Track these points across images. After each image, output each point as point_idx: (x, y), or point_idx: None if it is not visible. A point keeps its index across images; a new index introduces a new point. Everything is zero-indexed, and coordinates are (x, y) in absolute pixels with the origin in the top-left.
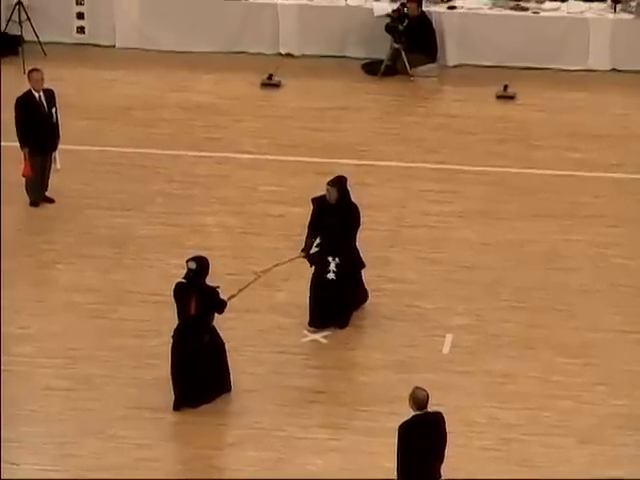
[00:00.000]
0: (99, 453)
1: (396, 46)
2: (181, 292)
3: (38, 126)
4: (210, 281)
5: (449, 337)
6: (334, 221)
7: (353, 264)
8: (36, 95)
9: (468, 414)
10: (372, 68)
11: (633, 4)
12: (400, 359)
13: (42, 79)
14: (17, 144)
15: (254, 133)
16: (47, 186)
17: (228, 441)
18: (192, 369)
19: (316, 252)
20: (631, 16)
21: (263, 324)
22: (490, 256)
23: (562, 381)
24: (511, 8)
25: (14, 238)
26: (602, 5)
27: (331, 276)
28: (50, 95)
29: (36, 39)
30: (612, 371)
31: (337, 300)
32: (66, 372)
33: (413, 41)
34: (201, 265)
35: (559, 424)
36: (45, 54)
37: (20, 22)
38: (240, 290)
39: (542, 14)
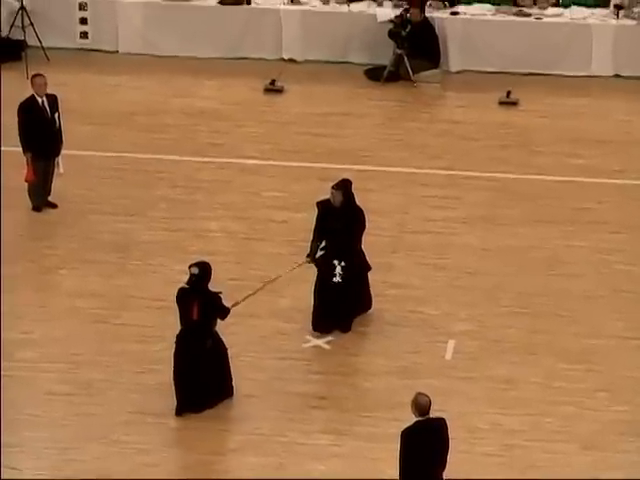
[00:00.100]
0: (101, 458)
1: (399, 52)
2: (183, 297)
3: (41, 131)
4: (213, 286)
5: (452, 343)
6: (339, 224)
7: (359, 267)
8: (39, 100)
9: (470, 420)
10: (375, 74)
11: (636, 10)
12: (403, 365)
13: (45, 84)
14: (20, 149)
15: (257, 138)
16: (50, 191)
17: (230, 446)
18: (194, 375)
19: (321, 256)
20: (634, 22)
21: (265, 330)
22: (492, 262)
23: (564, 387)
24: (514, 14)
25: (17, 243)
26: (605, 11)
27: (337, 279)
28: (53, 100)
29: (39, 44)
30: (614, 377)
31: (342, 303)
32: (69, 377)
33: (416, 47)
34: (203, 270)
35: (561, 430)
36: (48, 59)
37: (23, 27)
38: (244, 298)
39: (545, 20)
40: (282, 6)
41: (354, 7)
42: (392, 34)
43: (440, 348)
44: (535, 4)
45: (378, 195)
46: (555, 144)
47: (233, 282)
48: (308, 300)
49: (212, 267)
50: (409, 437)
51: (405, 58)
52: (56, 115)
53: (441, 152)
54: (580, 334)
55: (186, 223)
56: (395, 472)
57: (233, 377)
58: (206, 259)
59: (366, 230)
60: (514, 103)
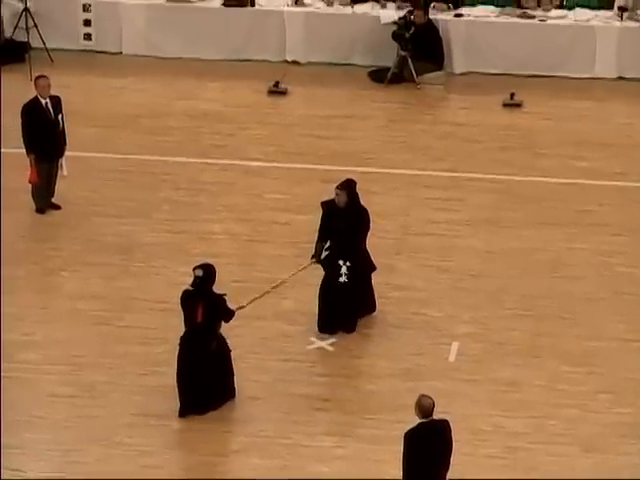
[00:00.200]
0: (104, 460)
1: (403, 54)
2: (188, 300)
3: (44, 133)
4: (217, 288)
5: (455, 345)
6: (343, 225)
7: (364, 267)
8: (43, 102)
9: (474, 422)
10: (378, 76)
11: None
12: (406, 367)
13: (49, 86)
14: (24, 150)
15: (260, 141)
16: (53, 193)
17: (233, 448)
18: (198, 377)
19: (327, 256)
20: (637, 24)
21: (269, 332)
22: (496, 264)
23: (567, 389)
24: (518, 16)
25: (20, 245)
26: (609, 13)
27: (343, 279)
28: (57, 102)
29: (43, 46)
30: (616, 379)
31: (348, 304)
32: (71, 379)
33: (420, 49)
34: (208, 273)
35: (564, 432)
36: (52, 61)
37: (27, 29)
38: (250, 301)
39: (549, 22)
40: (286, 8)
41: (358, 9)
42: (396, 36)
43: (443, 350)
44: (539, 6)
45: (381, 197)
46: (558, 146)
47: (236, 284)
48: (312, 302)
49: (216, 269)
50: (412, 439)
51: (409, 60)
52: (60, 117)
53: (444, 154)
54: (582, 336)
55: (189, 225)
56: (398, 474)
57: (236, 379)
58: (209, 261)
59: (369, 232)
60: (518, 105)
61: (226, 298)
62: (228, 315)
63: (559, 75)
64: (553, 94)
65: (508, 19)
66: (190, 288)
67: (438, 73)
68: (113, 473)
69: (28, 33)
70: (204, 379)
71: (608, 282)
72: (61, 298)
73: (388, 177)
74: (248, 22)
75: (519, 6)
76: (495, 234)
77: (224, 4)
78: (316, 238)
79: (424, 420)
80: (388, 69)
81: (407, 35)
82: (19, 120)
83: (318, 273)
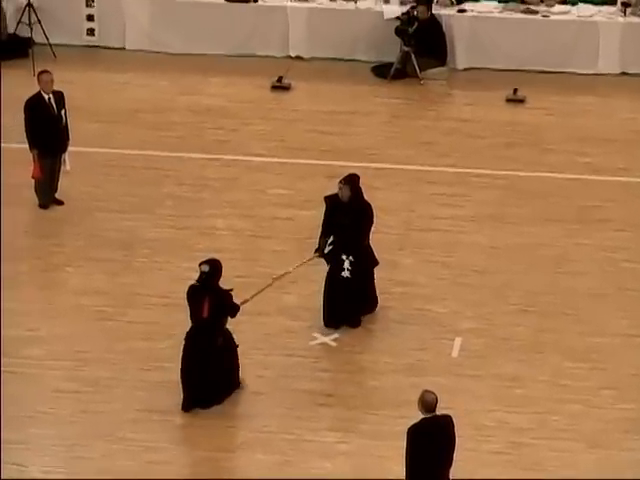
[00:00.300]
0: (108, 455)
1: (406, 49)
2: (194, 295)
3: (47, 128)
4: (221, 284)
5: (458, 341)
6: (347, 219)
7: (367, 262)
8: (45, 97)
9: (477, 418)
10: (382, 71)
11: None
12: (409, 362)
13: (52, 81)
14: (26, 146)
15: (263, 136)
16: (57, 188)
17: (237, 444)
18: (203, 372)
19: (330, 251)
20: None
21: (272, 327)
22: (500, 260)
23: (570, 385)
24: (521, 12)
25: (23, 240)
26: (612, 9)
27: (346, 274)
28: (60, 97)
29: (46, 41)
30: (620, 375)
31: (351, 298)
32: (75, 374)
33: (423, 44)
34: (214, 268)
35: (567, 428)
36: (55, 56)
37: (30, 24)
38: (253, 295)
39: (552, 18)
40: (289, 3)
41: (361, 4)
42: (399, 31)
43: (447, 346)
44: (542, 2)
45: (385, 193)
46: (562, 142)
47: (239, 279)
48: (315, 298)
49: (222, 264)
50: (415, 434)
51: (412, 56)
52: (62, 112)
53: (448, 150)
54: (585, 332)
55: (192, 221)
56: (401, 470)
57: (242, 373)
58: (211, 257)
59: (373, 227)
60: (521, 101)
61: (232, 294)
62: (234, 310)
63: (562, 71)
64: (556, 90)
65: (511, 15)
66: (196, 283)
67: (441, 69)
68: (117, 468)
69: (31, 28)
70: (209, 374)
71: (612, 278)
72: (65, 294)
73: (391, 173)
74: (251, 17)
75: (522, 2)
76: (499, 230)
77: (227, 0)
78: (319, 232)
79: (427, 416)
80: (391, 65)
81: (410, 31)
82: (22, 115)
83: (321, 269)
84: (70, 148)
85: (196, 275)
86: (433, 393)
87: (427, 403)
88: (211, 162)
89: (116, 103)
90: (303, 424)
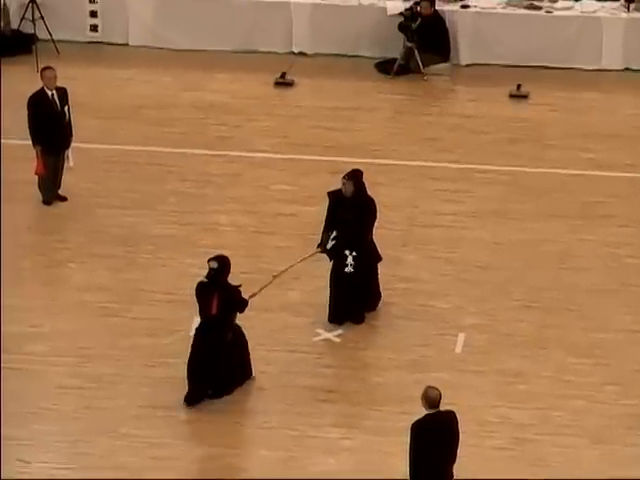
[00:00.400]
0: (112, 452)
1: (409, 45)
2: (203, 291)
3: (50, 124)
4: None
5: (461, 336)
6: (350, 215)
7: (370, 257)
8: (49, 93)
9: (480, 413)
10: (385, 67)
11: None
12: (412, 358)
13: (55, 77)
14: (30, 142)
15: (267, 132)
16: (60, 184)
17: (240, 439)
18: (212, 367)
19: (333, 246)
20: None
21: (275, 323)
22: (503, 256)
23: (573, 381)
24: (524, 7)
25: (26, 237)
26: (615, 4)
27: (349, 269)
28: (63, 93)
29: (49, 37)
30: (623, 371)
31: (355, 294)
32: (79, 371)
33: (426, 40)
34: (222, 264)
35: (571, 424)
36: (58, 52)
37: (33, 20)
38: (261, 289)
39: (555, 13)
40: None
41: (364, 0)
42: (402, 27)
43: (450, 342)
44: None
45: (388, 189)
46: (565, 138)
47: (243, 275)
48: (318, 294)
49: (230, 261)
50: (419, 430)
51: (415, 51)
52: (66, 108)
53: (451, 145)
54: (589, 328)
55: (196, 217)
56: (405, 465)
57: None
58: (215, 253)
59: (376, 223)
60: (524, 97)
61: (241, 289)
62: (242, 306)
63: (566, 66)
64: (560, 85)
65: (515, 10)
66: (205, 280)
67: (444, 64)
68: (121, 464)
69: (35, 25)
70: (219, 370)
71: (616, 274)
72: (68, 290)
73: (395, 168)
74: (255, 13)
75: None
76: (502, 226)
77: None
78: (322, 228)
79: (431, 411)
80: (395, 61)
81: (413, 26)
82: (25, 112)
83: (324, 264)
84: (73, 144)
85: (200, 271)
86: (437, 389)
87: (431, 399)
88: (214, 158)
89: (119, 99)
90: (306, 420)
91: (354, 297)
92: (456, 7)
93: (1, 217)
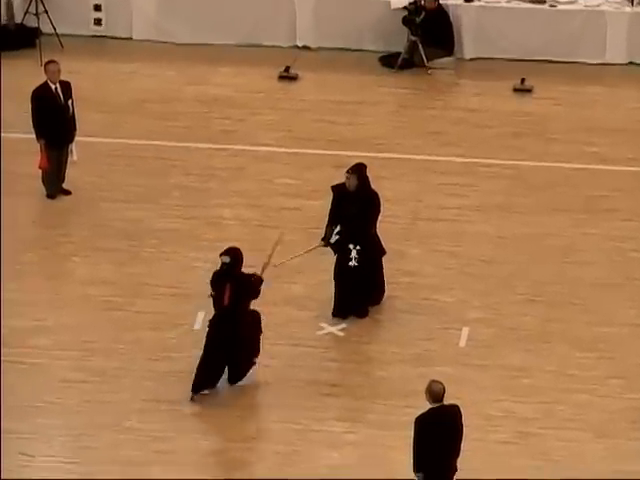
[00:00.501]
0: (115, 445)
1: (413, 39)
2: (217, 281)
3: (54, 118)
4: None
5: (466, 330)
6: (354, 209)
7: (374, 251)
8: (52, 87)
9: (484, 407)
10: (389, 61)
11: None
12: (416, 352)
13: (58, 71)
14: (33, 136)
15: (271, 126)
16: (64, 178)
17: (244, 433)
18: (222, 359)
19: (337, 240)
20: None
21: (279, 317)
22: (507, 250)
23: (577, 375)
24: (528, 1)
25: (30, 231)
26: None
27: (353, 263)
28: (66, 87)
29: (53, 31)
30: (627, 365)
31: (359, 288)
32: (82, 364)
33: (430, 34)
34: (235, 258)
35: (575, 418)
36: (62, 46)
37: (37, 14)
38: (263, 269)
39: (559, 7)
40: None
41: None
42: (406, 21)
43: (454, 336)
44: None
45: (392, 183)
46: (569, 132)
47: (247, 269)
48: (322, 288)
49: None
50: (423, 424)
51: (419, 45)
52: (69, 102)
53: (455, 139)
54: (593, 322)
55: (199, 211)
56: (409, 459)
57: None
58: (219, 246)
59: (380, 217)
60: (528, 90)
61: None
62: (255, 293)
63: (570, 61)
64: (564, 80)
65: (518, 4)
66: (219, 270)
67: (448, 58)
68: (124, 458)
69: (38, 18)
70: (233, 359)
71: (620, 268)
72: (72, 284)
73: (399, 163)
74: (259, 7)
75: None
76: (506, 220)
77: None
78: (326, 222)
79: (435, 405)
80: (399, 54)
81: (417, 20)
82: (29, 106)
83: (329, 258)
84: (77, 138)
85: (205, 265)
86: (441, 383)
87: (435, 393)
88: (218, 152)
89: (123, 93)
90: (310, 414)
91: (358, 291)
92: (460, 1)
93: (1, 210)
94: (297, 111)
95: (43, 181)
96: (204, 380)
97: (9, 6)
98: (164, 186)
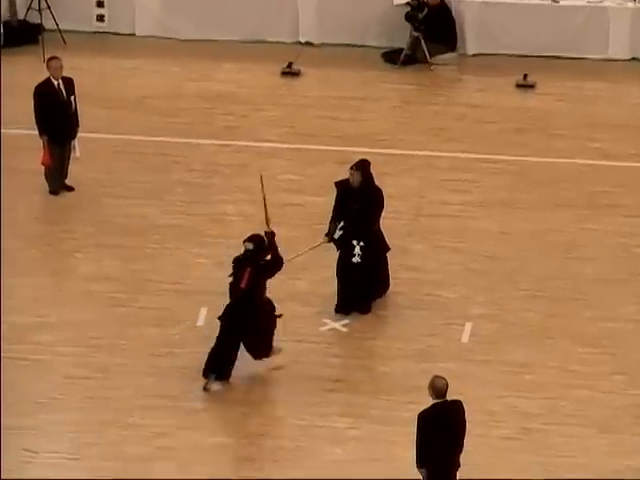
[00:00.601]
0: (118, 441)
1: (416, 35)
2: (237, 265)
3: (57, 114)
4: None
5: (468, 326)
6: (358, 205)
7: (378, 247)
8: (55, 83)
9: (487, 403)
10: (392, 57)
11: None
12: (419, 348)
13: (61, 67)
14: (36, 132)
15: (274, 122)
16: (66, 174)
17: (247, 429)
18: (235, 346)
19: (340, 236)
20: None
21: (282, 313)
22: (510, 246)
23: (580, 370)
24: None
25: (33, 227)
26: None
27: (356, 260)
28: (69, 83)
29: (56, 27)
30: (630, 361)
31: (362, 284)
32: (85, 361)
33: (433, 30)
34: (258, 245)
35: (577, 413)
36: (65, 42)
37: (40, 10)
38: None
39: (562, 3)
40: None
41: None
42: (409, 17)
43: (457, 331)
44: None
45: (394, 178)
46: (572, 128)
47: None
48: (326, 284)
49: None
50: (426, 420)
51: (422, 41)
52: (72, 98)
53: (458, 135)
54: (596, 318)
55: (203, 207)
56: (412, 455)
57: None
58: (222, 243)
59: (383, 213)
60: (531, 86)
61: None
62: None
63: (572, 56)
64: (566, 75)
65: (521, 0)
66: (240, 256)
67: (451, 54)
68: (127, 454)
69: (41, 15)
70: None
71: (623, 263)
72: (75, 280)
73: (401, 158)
74: (262, 3)
75: None
76: (509, 215)
77: None
78: (329, 218)
79: (438, 401)
80: (401, 50)
81: (420, 16)
82: (31, 102)
83: (332, 255)
84: (80, 134)
85: (207, 261)
86: (444, 379)
87: (438, 389)
88: (221, 148)
89: (126, 89)
90: (313, 410)
91: (361, 288)
92: None
93: (0, 206)
94: (300, 107)
95: (46, 177)
96: (214, 365)
97: (12, 2)
98: (167, 182)
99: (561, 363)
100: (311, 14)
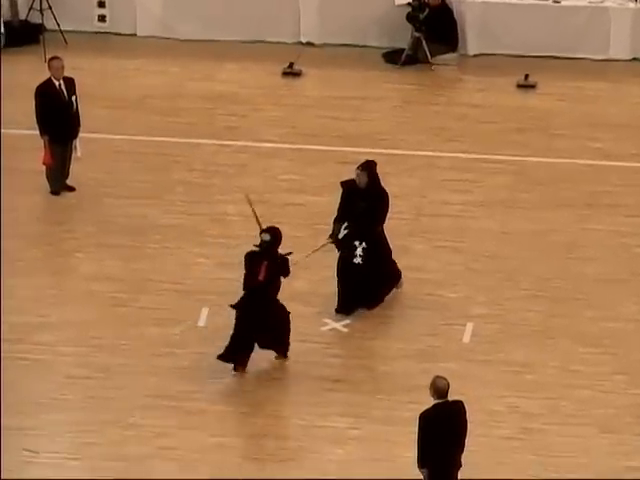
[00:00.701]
0: (119, 441)
1: (417, 35)
2: (253, 259)
3: (58, 114)
4: (234, 270)
5: (469, 326)
6: (364, 203)
7: (380, 249)
8: (56, 83)
9: (488, 403)
10: (393, 57)
11: None
12: (420, 348)
13: (62, 67)
14: (37, 132)
15: (274, 122)
16: (68, 174)
17: (248, 429)
18: (252, 336)
19: (343, 236)
20: None
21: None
22: (511, 245)
23: (581, 370)
24: None
25: (34, 227)
26: None
27: (358, 260)
28: (70, 83)
29: (57, 27)
30: (631, 360)
31: (364, 285)
32: (86, 360)
33: (434, 30)
34: (274, 237)
35: (578, 413)
36: (66, 43)
37: (41, 10)
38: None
39: (563, 3)
40: None
41: None
42: (410, 17)
43: (458, 331)
44: None
45: (395, 178)
46: (573, 128)
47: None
48: (326, 284)
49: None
50: (427, 420)
51: (423, 41)
52: (73, 98)
53: (459, 135)
54: (597, 317)
55: (203, 207)
56: (413, 455)
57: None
58: (222, 242)
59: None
60: (532, 86)
61: (290, 257)
62: (287, 272)
63: (573, 56)
64: (567, 75)
65: (522, 0)
66: (256, 249)
67: (452, 54)
68: (128, 454)
69: (42, 15)
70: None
71: (624, 263)
72: (76, 280)
73: (402, 158)
74: (263, 4)
75: None
76: (510, 215)
77: None
78: (334, 218)
79: (439, 401)
80: (402, 51)
81: (421, 17)
82: (33, 102)
83: (333, 255)
84: (81, 134)
85: (208, 260)
86: (445, 379)
87: (439, 389)
88: (222, 148)
89: (127, 89)
90: (314, 410)
91: (362, 288)
92: None
93: (0, 206)
94: (301, 107)
95: (47, 177)
96: (232, 354)
97: (13, 2)
98: (168, 182)
99: (562, 363)
100: (312, 14)
